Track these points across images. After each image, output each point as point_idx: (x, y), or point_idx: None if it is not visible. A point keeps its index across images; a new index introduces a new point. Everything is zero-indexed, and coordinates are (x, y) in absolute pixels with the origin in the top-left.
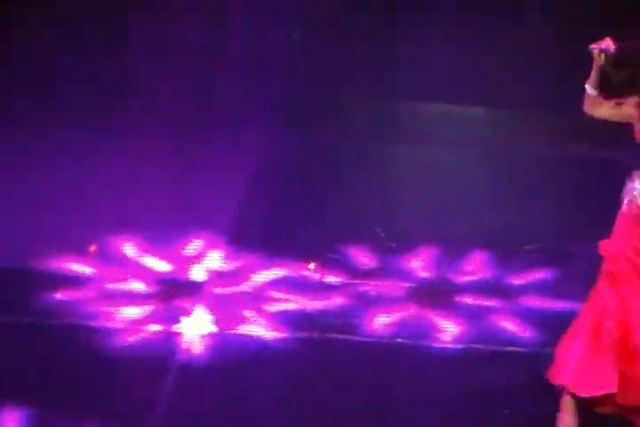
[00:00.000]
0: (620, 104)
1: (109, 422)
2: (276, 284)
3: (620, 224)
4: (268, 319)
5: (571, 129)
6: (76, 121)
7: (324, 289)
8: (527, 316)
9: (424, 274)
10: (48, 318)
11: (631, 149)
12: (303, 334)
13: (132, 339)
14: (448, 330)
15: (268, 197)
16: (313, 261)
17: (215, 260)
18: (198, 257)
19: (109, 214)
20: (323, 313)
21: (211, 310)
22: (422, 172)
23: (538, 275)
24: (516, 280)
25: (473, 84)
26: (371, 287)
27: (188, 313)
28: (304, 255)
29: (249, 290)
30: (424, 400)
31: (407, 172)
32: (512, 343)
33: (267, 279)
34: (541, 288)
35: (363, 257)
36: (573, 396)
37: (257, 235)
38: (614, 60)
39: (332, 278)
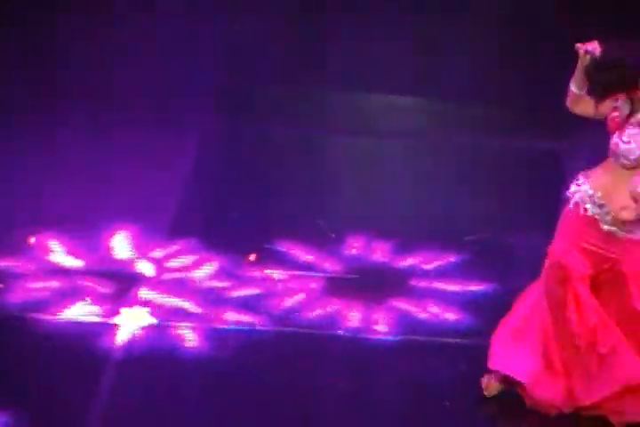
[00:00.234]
0: (598, 104)
1: (43, 417)
2: (216, 276)
3: (565, 224)
4: (209, 311)
5: (512, 121)
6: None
7: (264, 281)
8: (467, 305)
9: (363, 264)
10: None
11: (574, 142)
12: (243, 326)
13: (68, 331)
14: (387, 321)
15: (207, 189)
16: (253, 253)
17: (156, 253)
18: (139, 250)
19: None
20: (262, 305)
21: (150, 302)
22: (361, 162)
23: (476, 263)
24: (454, 269)
25: (414, 74)
26: (309, 279)
27: (127, 305)
28: (245, 248)
29: (190, 281)
30: (364, 392)
31: (345, 162)
32: (452, 334)
33: (207, 271)
34: (479, 276)
35: (302, 249)
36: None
37: (197, 227)
38: (597, 64)
39: (270, 270)
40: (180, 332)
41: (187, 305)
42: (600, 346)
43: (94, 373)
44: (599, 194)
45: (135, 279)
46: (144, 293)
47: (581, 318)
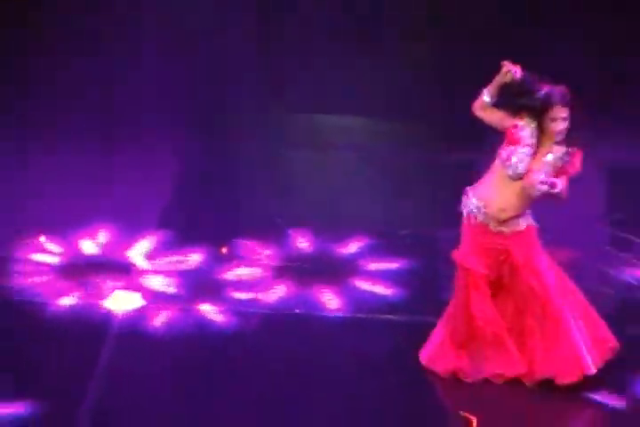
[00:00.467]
0: (503, 116)
1: (40, 396)
2: (195, 265)
3: (464, 232)
4: (188, 295)
5: (440, 137)
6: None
7: (236, 267)
8: (400, 284)
9: (313, 254)
10: None
11: (485, 153)
12: (214, 308)
13: (63, 314)
14: (333, 301)
15: (183, 193)
16: (224, 245)
17: (140, 245)
18: (127, 243)
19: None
20: (233, 288)
21: (137, 287)
22: (313, 172)
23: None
24: (390, 254)
25: (357, 97)
26: (267, 267)
27: (115, 290)
28: (217, 241)
29: (172, 270)
30: (312, 367)
31: (299, 172)
32: (390, 311)
33: (187, 261)
34: (410, 260)
35: (263, 242)
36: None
37: (176, 225)
38: (513, 86)
39: (239, 259)
40: (165, 313)
41: (171, 290)
42: (496, 332)
43: (94, 349)
44: (482, 204)
45: (126, 268)
46: (134, 279)
47: (482, 312)
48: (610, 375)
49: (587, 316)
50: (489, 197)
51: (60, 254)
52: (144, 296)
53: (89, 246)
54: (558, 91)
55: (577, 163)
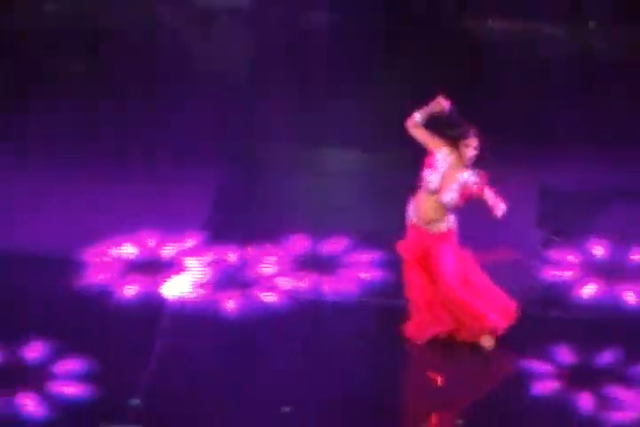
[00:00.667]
0: (432, 137)
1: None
2: (232, 261)
3: (407, 231)
4: (231, 286)
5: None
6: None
7: (258, 264)
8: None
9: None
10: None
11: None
12: (263, 293)
13: (128, 301)
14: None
15: (222, 202)
16: (251, 246)
17: (188, 242)
18: (177, 244)
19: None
20: (255, 279)
21: (189, 278)
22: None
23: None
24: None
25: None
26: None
27: (170, 279)
28: (246, 242)
29: (214, 263)
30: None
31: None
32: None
33: (224, 257)
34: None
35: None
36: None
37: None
38: (440, 116)
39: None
40: (216, 299)
41: (214, 280)
42: (428, 301)
43: (153, 330)
44: (415, 210)
45: (175, 264)
46: (182, 272)
47: (415, 286)
48: (534, 347)
49: (489, 292)
50: (418, 206)
51: (124, 253)
52: (197, 285)
53: (144, 245)
54: (472, 128)
55: (483, 181)
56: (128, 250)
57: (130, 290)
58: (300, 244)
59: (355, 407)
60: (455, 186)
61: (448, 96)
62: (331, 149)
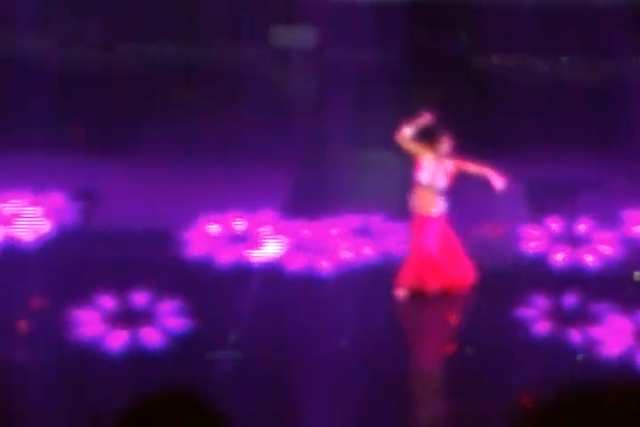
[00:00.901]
0: (417, 145)
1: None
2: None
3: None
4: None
5: None
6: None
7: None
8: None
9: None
10: None
11: None
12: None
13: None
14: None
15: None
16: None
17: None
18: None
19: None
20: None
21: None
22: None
23: None
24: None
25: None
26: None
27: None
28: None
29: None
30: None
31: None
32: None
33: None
34: None
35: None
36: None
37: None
38: (422, 128)
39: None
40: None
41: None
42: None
43: (248, 289)
44: (414, 198)
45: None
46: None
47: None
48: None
49: (458, 257)
50: (415, 195)
51: (219, 228)
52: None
53: (237, 223)
54: (444, 130)
55: (462, 163)
56: (221, 225)
57: (225, 258)
58: (352, 219)
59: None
60: (441, 172)
61: (432, 112)
62: (373, 151)
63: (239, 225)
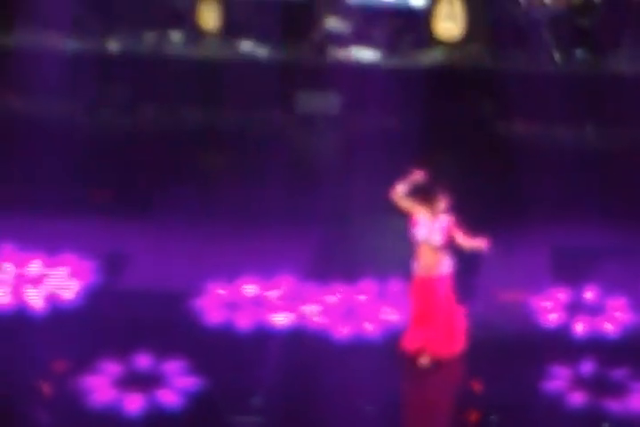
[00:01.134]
0: (413, 203)
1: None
2: None
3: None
4: None
5: None
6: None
7: None
8: None
9: None
10: None
11: None
12: None
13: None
14: None
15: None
16: None
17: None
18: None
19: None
20: None
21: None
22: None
23: None
24: None
25: None
26: None
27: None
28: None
29: None
30: None
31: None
32: None
33: None
34: None
35: None
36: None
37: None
38: (415, 185)
39: None
40: None
41: None
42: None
43: None
44: (415, 262)
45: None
46: None
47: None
48: None
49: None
50: (419, 257)
51: (238, 292)
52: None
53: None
54: (440, 187)
55: (453, 226)
56: (239, 289)
57: (243, 321)
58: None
59: None
60: (438, 229)
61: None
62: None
63: (257, 289)
